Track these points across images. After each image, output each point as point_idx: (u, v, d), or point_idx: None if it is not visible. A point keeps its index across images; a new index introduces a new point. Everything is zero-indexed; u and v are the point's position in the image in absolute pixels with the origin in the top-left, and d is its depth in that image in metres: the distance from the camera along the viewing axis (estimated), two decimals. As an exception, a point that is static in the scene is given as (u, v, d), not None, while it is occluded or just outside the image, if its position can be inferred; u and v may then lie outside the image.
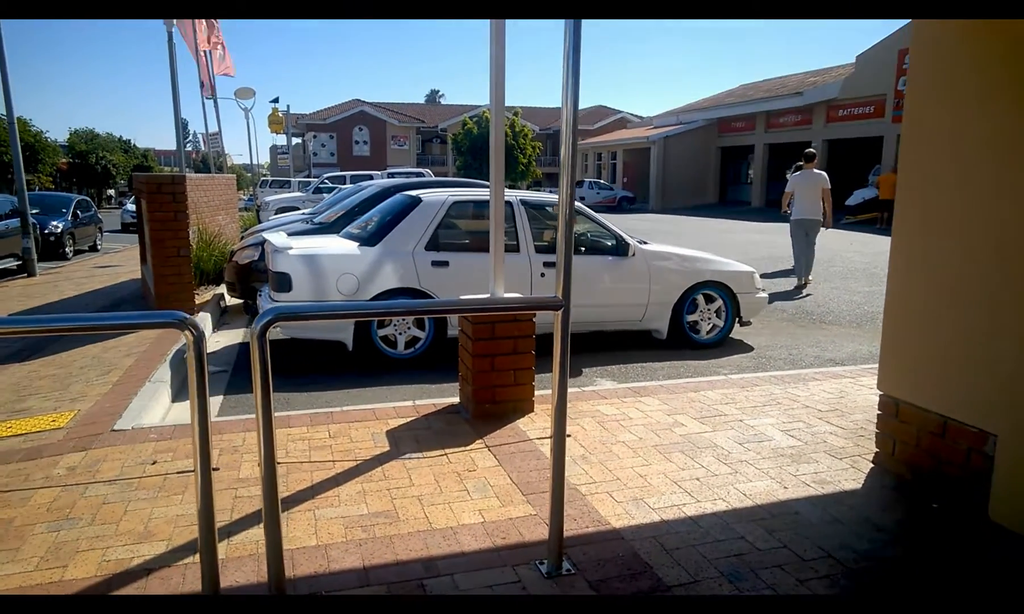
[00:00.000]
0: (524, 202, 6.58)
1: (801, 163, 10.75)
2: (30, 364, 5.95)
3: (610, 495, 3.26)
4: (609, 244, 6.73)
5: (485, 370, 4.28)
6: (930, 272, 3.23)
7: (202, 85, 15.52)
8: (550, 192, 10.92)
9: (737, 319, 7.08)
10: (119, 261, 14.58)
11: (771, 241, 16.82)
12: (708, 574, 2.62)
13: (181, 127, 17.29)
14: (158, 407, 4.77)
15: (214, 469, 2.86)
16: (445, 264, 6.16)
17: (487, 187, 9.74)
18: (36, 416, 4.44)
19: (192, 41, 14.72)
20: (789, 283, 10.62)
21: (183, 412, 4.99)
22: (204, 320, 7.54)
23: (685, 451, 3.78)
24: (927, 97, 3.26)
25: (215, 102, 17.09)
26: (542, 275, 6.36)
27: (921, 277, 3.28)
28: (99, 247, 18.54)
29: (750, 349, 6.93)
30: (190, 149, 21.02)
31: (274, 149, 58.00)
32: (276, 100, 33.48)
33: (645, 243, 7.02)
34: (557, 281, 2.46)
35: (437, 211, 6.26)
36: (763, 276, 14.30)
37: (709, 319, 7.00)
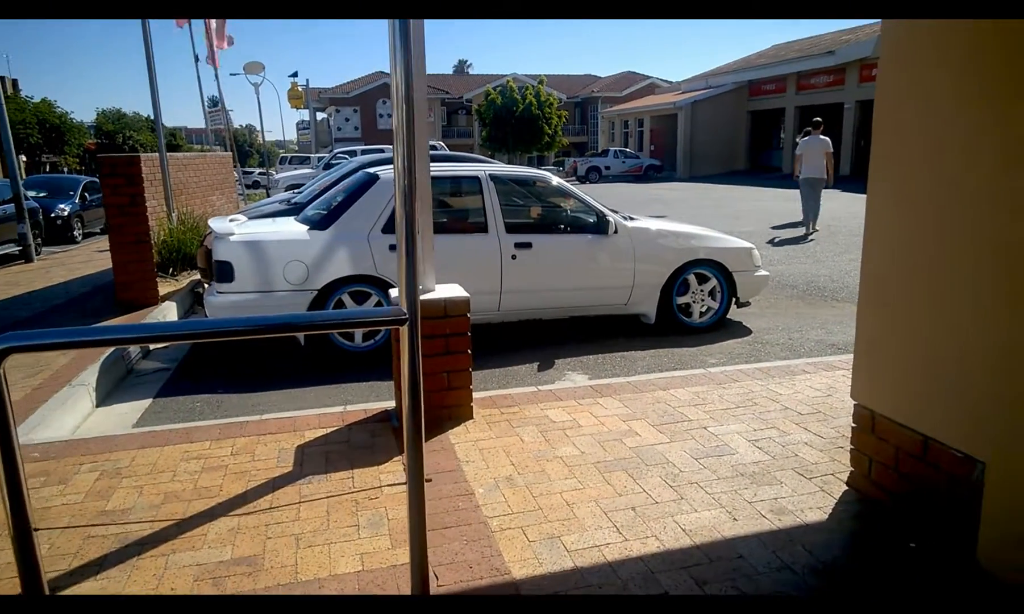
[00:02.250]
0: (493, 177, 6.01)
1: (810, 129, 12.56)
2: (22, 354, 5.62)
3: (523, 532, 2.75)
4: (588, 221, 6.14)
5: (413, 373, 3.77)
6: (908, 261, 2.62)
7: (196, 59, 15.15)
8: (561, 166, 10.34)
9: (734, 300, 6.45)
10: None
11: (795, 210, 15.92)
12: (610, 648, 2.10)
13: (205, 103, 17.04)
14: (70, 416, 4.37)
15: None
16: (404, 248, 5.64)
17: (484, 162, 9.22)
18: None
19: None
20: (799, 233, 12.37)
21: (106, 419, 4.61)
22: (169, 310, 7.17)
23: (629, 469, 3.24)
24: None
25: (216, 73, 16.71)
26: (513, 257, 5.81)
27: (899, 267, 2.67)
28: (111, 229, 18.43)
29: (747, 333, 6.31)
30: (221, 126, 20.79)
31: (299, 125, 57.88)
32: (295, 74, 33.18)
33: (631, 219, 6.42)
34: (400, 286, 1.93)
35: (395, 190, 5.72)
36: (773, 228, 14.03)
37: (702, 301, 6.38)
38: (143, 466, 3.40)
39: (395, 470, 3.30)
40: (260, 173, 25.98)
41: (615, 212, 6.39)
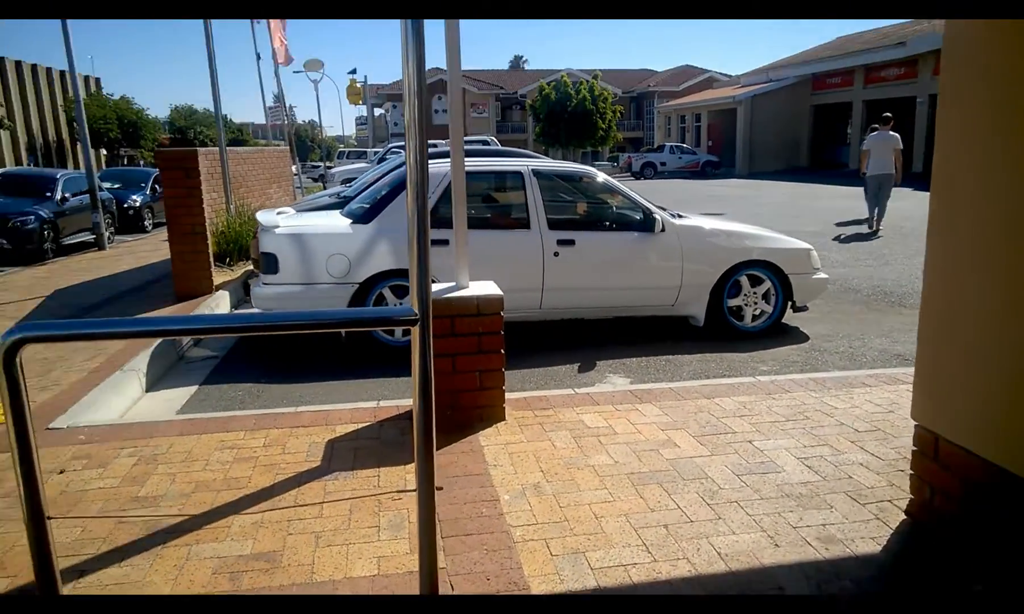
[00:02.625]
0: (536, 173, 5.88)
1: (877, 125, 12.21)
2: (38, 344, 5.81)
3: (547, 545, 2.62)
4: (634, 218, 5.95)
5: (445, 371, 3.68)
6: (979, 262, 2.38)
7: (258, 57, 15.44)
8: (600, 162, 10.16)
9: (789, 304, 6.16)
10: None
11: (860, 208, 15.27)
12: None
13: (265, 99, 17.36)
14: (119, 400, 4.46)
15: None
16: (445, 243, 5.56)
17: (534, 157, 9.07)
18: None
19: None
20: (863, 230, 12.29)
21: (152, 404, 4.68)
22: (221, 300, 7.29)
23: (665, 483, 3.08)
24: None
25: (276, 71, 17.04)
26: (555, 254, 5.67)
27: (968, 270, 2.43)
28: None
29: (804, 339, 6.02)
30: (281, 121, 21.33)
31: (358, 120, 58.83)
32: (353, 71, 33.71)
33: (680, 216, 6.19)
34: (412, 284, 1.83)
35: (437, 185, 5.65)
36: (837, 224, 13.55)
37: (755, 304, 6.11)
38: (179, 453, 3.41)
39: (422, 472, 3.22)
40: (327, 167, 26.46)
41: (663, 209, 6.18)
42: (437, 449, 3.43)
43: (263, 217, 5.67)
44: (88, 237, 13.22)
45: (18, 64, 43.69)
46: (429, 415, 1.89)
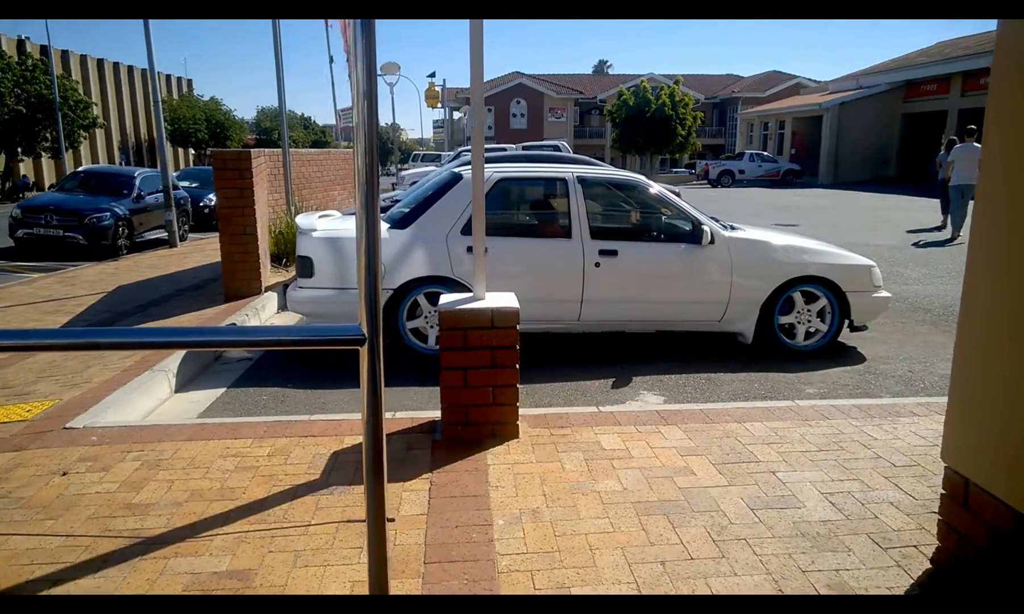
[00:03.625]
0: (581, 179, 5.70)
1: (954, 139, 13.58)
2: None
3: (532, 577, 2.47)
4: (682, 229, 5.70)
5: (456, 385, 3.58)
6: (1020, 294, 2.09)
7: (331, 60, 15.80)
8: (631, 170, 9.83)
9: (846, 323, 5.77)
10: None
11: (935, 220, 14.35)
12: None
13: (336, 102, 17.75)
14: (145, 400, 4.54)
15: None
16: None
17: (597, 165, 8.83)
18: (25, 402, 4.35)
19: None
20: (938, 237, 12.78)
21: (178, 405, 4.76)
22: (268, 301, 7.42)
23: (672, 515, 2.87)
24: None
25: (349, 75, 17.41)
26: (596, 265, 5.49)
27: (1008, 302, 2.15)
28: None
29: (860, 360, 5.63)
30: (351, 124, 21.77)
31: (435, 124, 59.67)
32: (432, 74, 34.19)
33: (733, 228, 5.90)
34: (360, 298, 1.72)
35: (477, 190, 5.55)
36: (908, 231, 13.01)
37: (808, 322, 5.75)
38: (183, 460, 3.43)
39: (420, 489, 3.12)
40: (399, 169, 26.94)
41: (715, 220, 5.90)
42: (441, 466, 3.34)
43: (302, 221, 5.71)
44: (163, 234, 13.80)
45: (115, 66, 46.37)
46: (379, 447, 1.77)
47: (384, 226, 5.67)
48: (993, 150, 2.22)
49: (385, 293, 5.41)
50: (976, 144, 12.21)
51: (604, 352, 5.84)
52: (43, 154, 33.61)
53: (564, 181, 5.71)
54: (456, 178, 5.73)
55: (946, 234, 12.90)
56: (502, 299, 3.66)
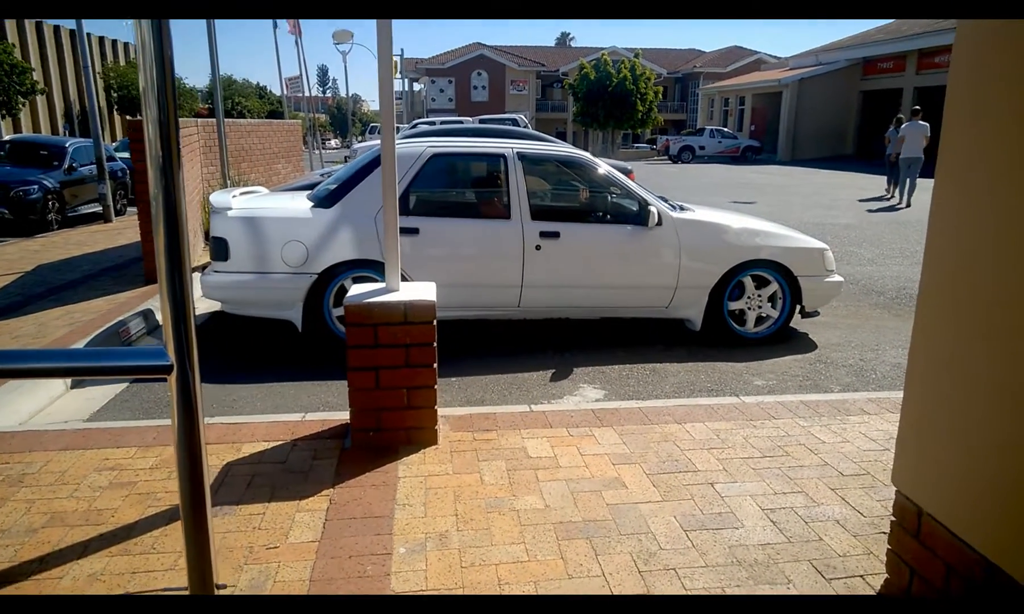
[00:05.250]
0: (522, 156, 5.33)
1: (901, 117, 15.66)
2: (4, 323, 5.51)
3: (426, 620, 2.14)
4: (629, 210, 5.37)
5: (367, 387, 3.21)
6: (980, 315, 1.80)
7: (275, 26, 15.07)
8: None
9: (798, 308, 5.54)
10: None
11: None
12: None
13: (282, 72, 17.06)
14: (27, 401, 4.06)
15: None
16: (415, 231, 5.08)
17: (550, 141, 8.41)
18: None
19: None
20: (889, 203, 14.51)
21: (70, 404, 4.29)
22: (195, 282, 6.91)
23: (596, 537, 2.56)
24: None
25: (298, 42, 16.69)
26: (537, 247, 5.13)
27: (968, 320, 1.86)
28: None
29: (811, 348, 5.40)
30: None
31: (396, 96, 58.47)
32: (389, 44, 33.14)
33: (682, 209, 5.59)
34: (164, 328, 1.35)
35: (409, 167, 5.15)
36: (860, 200, 13.42)
37: (759, 307, 5.50)
38: (51, 474, 3.01)
39: (317, 509, 2.76)
40: (353, 142, 26.13)
41: (664, 200, 5.60)
42: (346, 479, 2.98)
43: (216, 198, 5.23)
44: (97, 208, 13.04)
45: (56, 30, 44.11)
46: (199, 494, 1.41)
47: (307, 205, 5.23)
48: (953, 131, 1.92)
49: (307, 278, 5.00)
50: (921, 122, 14.33)
51: (547, 340, 5.52)
52: (-23, 122, 31.86)
53: (503, 157, 5.32)
54: (387, 153, 5.30)
55: (894, 201, 14.93)
56: (418, 291, 3.29)
